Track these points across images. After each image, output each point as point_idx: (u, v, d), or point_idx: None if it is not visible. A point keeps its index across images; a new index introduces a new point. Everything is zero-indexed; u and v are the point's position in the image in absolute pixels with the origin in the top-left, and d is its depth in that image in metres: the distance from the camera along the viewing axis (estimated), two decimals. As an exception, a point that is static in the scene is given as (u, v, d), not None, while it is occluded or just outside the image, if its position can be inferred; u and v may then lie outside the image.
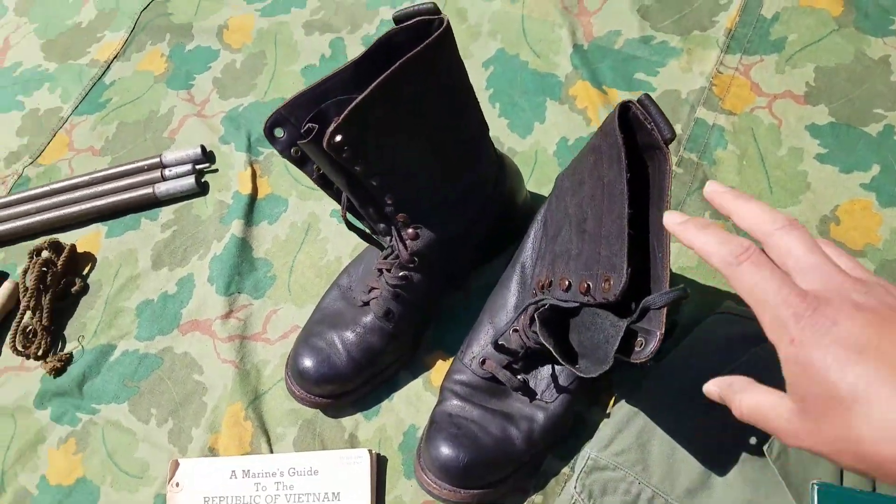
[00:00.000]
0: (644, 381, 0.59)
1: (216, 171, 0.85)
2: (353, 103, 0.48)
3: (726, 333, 0.58)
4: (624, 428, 0.57)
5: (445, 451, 0.56)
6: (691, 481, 0.54)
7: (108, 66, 0.98)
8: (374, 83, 0.48)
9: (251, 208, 0.81)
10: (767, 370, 0.36)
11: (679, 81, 0.79)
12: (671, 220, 0.38)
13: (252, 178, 0.83)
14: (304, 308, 0.73)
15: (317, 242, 0.77)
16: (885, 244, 0.65)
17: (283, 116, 0.52)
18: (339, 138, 0.49)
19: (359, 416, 0.67)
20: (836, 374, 0.28)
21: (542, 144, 0.79)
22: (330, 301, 0.67)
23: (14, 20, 1.09)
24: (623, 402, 0.59)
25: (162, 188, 0.83)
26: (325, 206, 0.79)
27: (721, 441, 0.54)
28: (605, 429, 0.58)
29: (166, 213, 0.83)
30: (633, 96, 0.79)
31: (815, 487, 0.50)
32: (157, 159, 0.85)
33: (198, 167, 0.85)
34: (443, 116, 0.55)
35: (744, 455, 0.54)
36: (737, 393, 0.36)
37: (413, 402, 0.67)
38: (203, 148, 0.85)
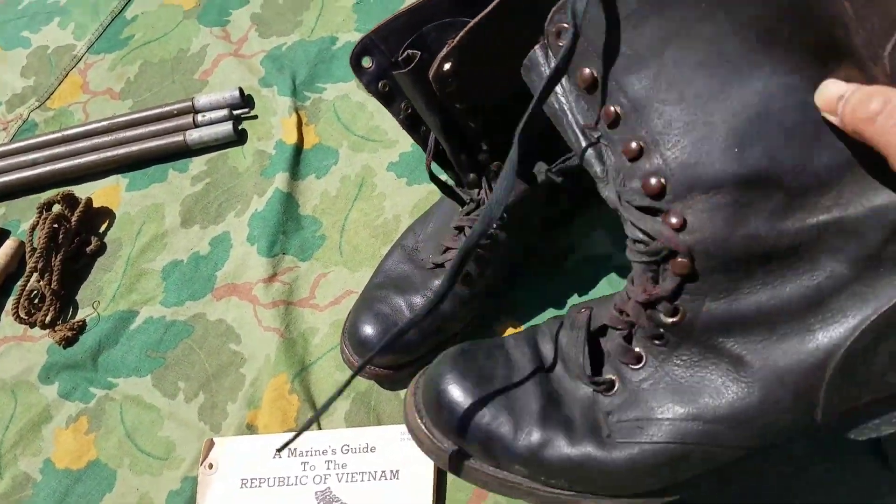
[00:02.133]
0: None
1: (255, 117, 0.79)
2: (472, 22, 0.42)
3: None
4: None
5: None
6: None
7: (130, -1, 0.92)
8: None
9: (296, 160, 0.74)
10: None
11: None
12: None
13: (297, 125, 0.76)
14: (357, 272, 0.67)
15: (372, 199, 0.71)
16: None
17: (373, 42, 0.47)
18: (448, 66, 0.43)
19: (421, 388, 0.60)
20: None
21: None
22: (393, 263, 0.61)
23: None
24: None
25: (194, 135, 0.76)
26: (381, 159, 0.73)
27: None
28: None
29: (198, 163, 0.77)
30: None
31: None
32: (189, 103, 0.79)
33: (235, 113, 0.78)
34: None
35: None
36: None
37: (481, 377, 0.60)
38: (241, 91, 0.79)
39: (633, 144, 0.31)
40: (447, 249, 0.57)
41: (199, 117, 0.77)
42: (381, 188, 0.71)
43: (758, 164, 0.30)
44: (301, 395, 0.61)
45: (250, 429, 0.61)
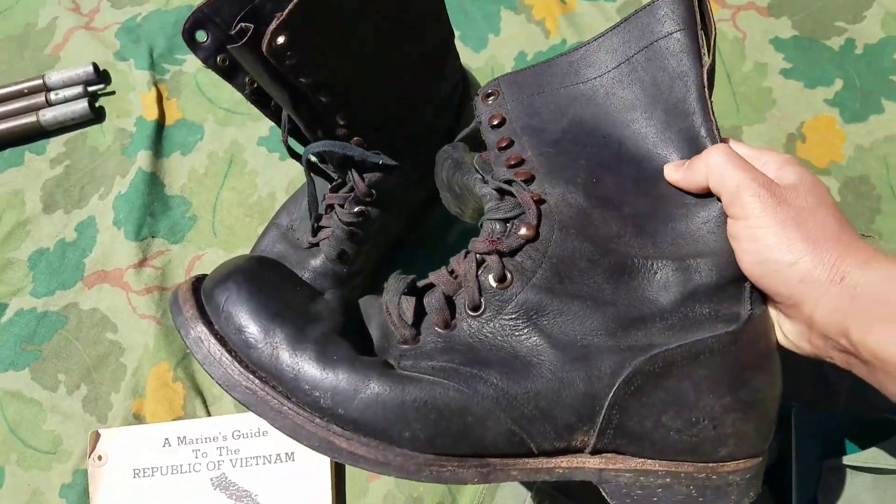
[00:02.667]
0: None
1: (113, 93, 0.75)
2: None
3: None
4: None
5: None
6: None
7: (-37, -31, 0.84)
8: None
9: (159, 137, 0.71)
10: None
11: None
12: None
13: (158, 100, 0.73)
14: (234, 252, 0.65)
15: (243, 176, 0.69)
16: (848, 161, 0.64)
17: (205, 15, 0.44)
18: (281, 39, 0.41)
19: (308, 368, 0.60)
20: None
21: (498, 60, 0.72)
22: (269, 243, 0.60)
23: None
24: None
25: (48, 115, 0.72)
26: (250, 133, 0.70)
27: None
28: None
29: (55, 144, 0.73)
30: (596, 6, 0.73)
31: (793, 408, 0.49)
32: (40, 81, 0.74)
33: (90, 89, 0.74)
34: (405, 20, 0.47)
35: None
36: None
37: (368, 351, 0.60)
38: (95, 66, 0.75)
39: (514, 161, 0.37)
40: (321, 228, 0.57)
41: (53, 95, 0.72)
42: (252, 164, 0.69)
43: (606, 191, 0.35)
44: (186, 382, 0.60)
45: (137, 418, 0.60)
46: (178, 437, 0.58)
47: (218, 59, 0.46)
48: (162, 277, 0.65)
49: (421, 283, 0.37)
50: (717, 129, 0.35)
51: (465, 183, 0.40)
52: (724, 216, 0.34)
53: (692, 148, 0.35)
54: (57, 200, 0.70)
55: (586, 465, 0.35)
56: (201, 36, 0.45)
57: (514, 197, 0.35)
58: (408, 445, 0.33)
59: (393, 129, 0.52)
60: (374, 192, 0.53)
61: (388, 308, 0.36)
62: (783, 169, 0.34)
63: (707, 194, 0.34)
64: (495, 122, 0.39)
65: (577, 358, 0.34)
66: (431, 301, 0.36)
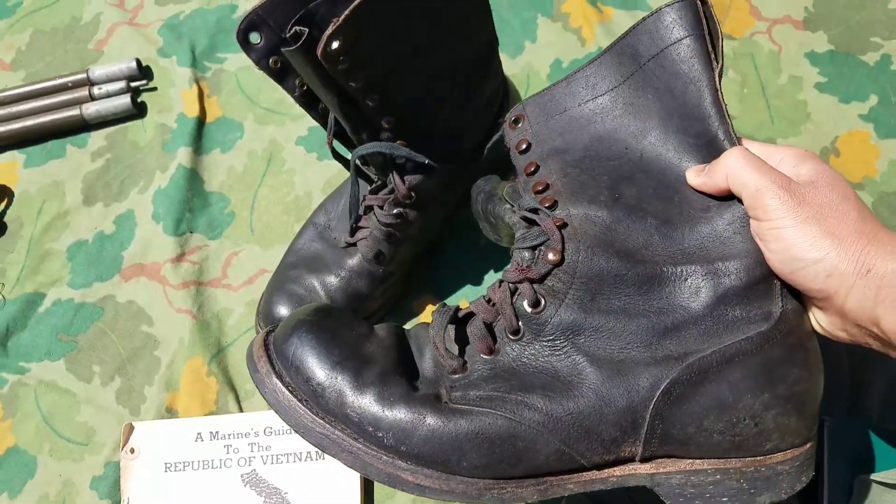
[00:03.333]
0: None
1: (155, 89, 0.76)
2: (357, 1, 0.40)
3: None
4: None
5: None
6: None
7: (13, -37, 0.85)
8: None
9: (199, 133, 0.72)
10: None
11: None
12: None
13: (199, 97, 0.73)
14: (270, 250, 0.66)
15: (281, 174, 0.69)
16: (882, 177, 0.64)
17: (260, 18, 0.45)
18: (336, 45, 0.42)
19: (339, 367, 0.61)
20: None
21: (534, 67, 0.73)
22: (305, 242, 0.60)
23: None
24: None
25: (91, 109, 0.73)
26: (289, 132, 0.71)
27: None
28: None
29: (97, 138, 0.74)
30: (631, 15, 0.73)
31: (826, 422, 0.49)
32: (84, 75, 0.75)
33: (133, 84, 0.75)
34: (453, 25, 0.48)
35: None
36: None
37: (400, 352, 0.61)
38: (138, 62, 0.76)
39: (540, 187, 0.38)
40: (359, 228, 0.57)
41: (96, 90, 0.73)
42: (290, 163, 0.69)
43: (628, 203, 0.36)
44: (219, 377, 0.61)
45: (170, 412, 0.60)
46: (211, 433, 0.58)
47: (270, 60, 0.46)
48: (199, 272, 0.65)
49: (462, 314, 0.39)
50: (733, 130, 0.36)
51: (497, 213, 0.43)
52: (747, 217, 0.35)
53: (711, 151, 0.36)
54: (97, 193, 0.70)
55: (638, 471, 0.36)
56: (255, 38, 0.45)
57: (539, 225, 0.37)
58: (467, 473, 0.35)
59: (436, 132, 0.52)
60: (413, 194, 0.54)
61: (435, 343, 0.37)
62: (800, 165, 0.34)
63: (730, 196, 0.35)
64: (522, 148, 0.40)
65: (616, 374, 0.35)
66: (473, 330, 0.38)
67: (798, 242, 0.32)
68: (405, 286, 0.62)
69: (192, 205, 0.68)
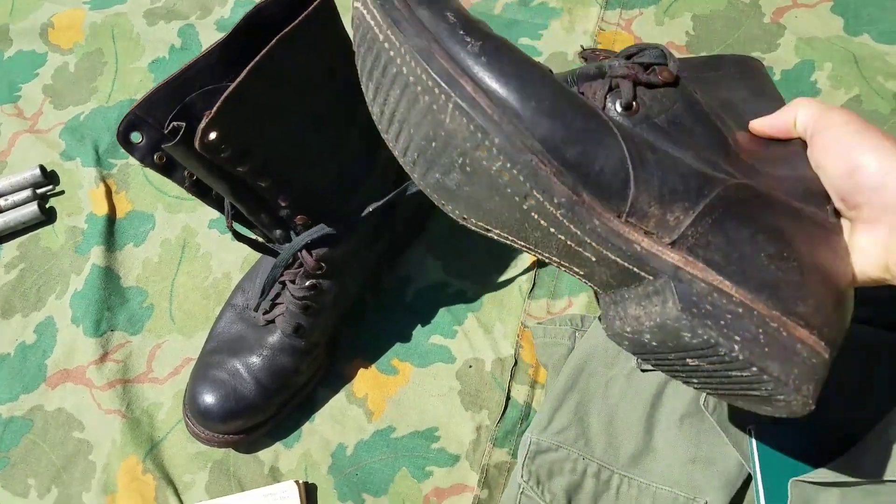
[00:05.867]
0: (572, 351, 0.58)
1: (62, 193, 0.75)
2: (228, 90, 0.41)
3: None
4: (560, 405, 0.56)
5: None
6: (634, 447, 0.54)
7: None
8: (251, 63, 0.41)
9: (111, 230, 0.71)
10: None
11: (563, 42, 0.77)
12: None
13: (107, 195, 0.73)
14: (193, 337, 0.65)
15: (197, 259, 0.69)
16: None
17: (138, 117, 0.44)
18: (213, 135, 0.42)
19: (278, 445, 0.61)
20: None
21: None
22: (225, 325, 0.60)
23: None
24: (557, 378, 0.57)
25: None
26: (200, 217, 0.71)
27: (654, 403, 0.55)
28: (542, 409, 0.57)
29: (9, 249, 0.73)
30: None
31: (751, 430, 0.51)
32: None
33: (39, 191, 0.74)
34: (335, 98, 0.48)
35: (681, 413, 0.54)
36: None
37: (338, 419, 0.61)
38: (42, 168, 0.75)
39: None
40: (275, 305, 0.57)
41: (2, 202, 0.72)
42: (205, 247, 0.69)
43: (724, 100, 0.40)
44: (156, 473, 0.60)
45: (111, 515, 0.59)
46: (154, 530, 0.57)
47: (154, 157, 0.46)
48: (124, 370, 0.64)
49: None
50: None
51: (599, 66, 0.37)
52: (805, 147, 0.37)
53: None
54: (14, 305, 0.69)
55: (665, 255, 0.33)
56: (136, 137, 0.45)
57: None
58: (529, 120, 0.31)
59: (337, 201, 0.53)
60: (323, 264, 0.54)
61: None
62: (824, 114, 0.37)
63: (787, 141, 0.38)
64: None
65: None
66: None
67: (857, 145, 0.35)
68: (332, 354, 0.62)
69: (109, 303, 0.67)
